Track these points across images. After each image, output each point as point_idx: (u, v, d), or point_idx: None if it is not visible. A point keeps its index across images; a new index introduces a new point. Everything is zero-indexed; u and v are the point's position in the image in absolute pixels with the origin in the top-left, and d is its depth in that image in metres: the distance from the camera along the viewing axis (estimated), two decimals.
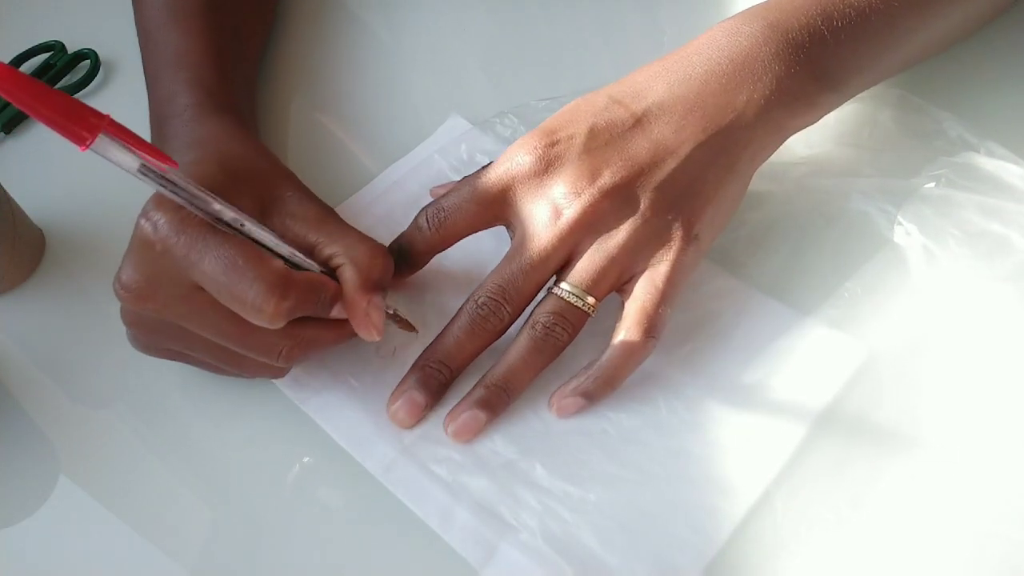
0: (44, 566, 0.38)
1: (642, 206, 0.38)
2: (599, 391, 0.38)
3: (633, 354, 0.38)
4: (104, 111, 0.59)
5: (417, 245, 0.41)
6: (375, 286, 0.37)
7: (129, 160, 0.31)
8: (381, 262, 0.38)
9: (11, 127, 0.55)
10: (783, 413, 0.38)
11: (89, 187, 0.51)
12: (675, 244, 0.38)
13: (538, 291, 0.39)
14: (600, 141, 0.39)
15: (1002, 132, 0.44)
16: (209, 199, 0.34)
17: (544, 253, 0.38)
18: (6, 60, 0.59)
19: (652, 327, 0.38)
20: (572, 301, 0.38)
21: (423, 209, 0.41)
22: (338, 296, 0.37)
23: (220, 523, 0.38)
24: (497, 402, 0.39)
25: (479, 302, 0.39)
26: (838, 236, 0.43)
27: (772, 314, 0.41)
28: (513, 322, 0.39)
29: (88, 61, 0.58)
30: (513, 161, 0.39)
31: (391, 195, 0.48)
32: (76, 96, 0.57)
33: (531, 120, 0.50)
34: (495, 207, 0.40)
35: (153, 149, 0.32)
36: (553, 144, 0.39)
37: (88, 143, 0.30)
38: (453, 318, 0.40)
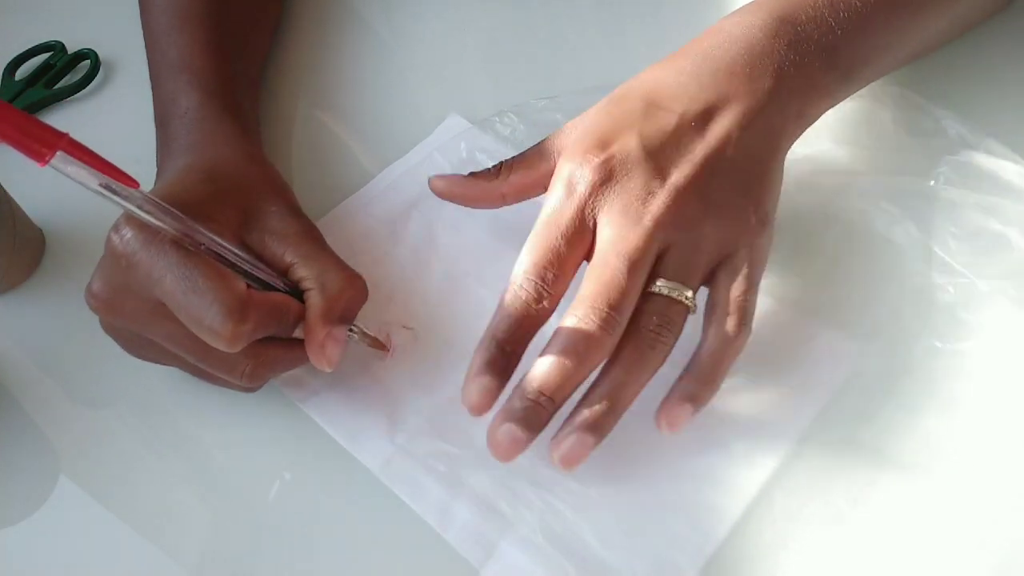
0: (44, 566, 0.38)
1: (714, 197, 0.37)
2: (704, 391, 0.36)
3: (730, 346, 0.36)
4: (104, 111, 0.60)
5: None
6: (339, 317, 0.37)
7: (89, 178, 0.31)
8: (350, 293, 0.37)
9: None
10: (781, 412, 0.38)
11: None
12: (750, 229, 0.38)
13: (638, 295, 0.36)
14: (655, 144, 0.38)
15: (1002, 130, 0.44)
16: (174, 217, 0.34)
17: (637, 253, 0.36)
18: (6, 60, 0.59)
19: (744, 315, 0.36)
20: (673, 295, 0.36)
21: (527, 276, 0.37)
22: (301, 318, 0.37)
23: (220, 523, 0.38)
24: (604, 422, 0.34)
25: (581, 315, 0.35)
26: (838, 235, 0.43)
27: (771, 313, 0.41)
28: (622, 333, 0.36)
29: (88, 61, 0.58)
30: (580, 183, 0.37)
31: (390, 195, 0.48)
32: (76, 96, 0.57)
33: (531, 119, 0.50)
34: (586, 234, 0.37)
35: (114, 169, 0.32)
36: (610, 155, 0.37)
37: (47, 159, 0.30)
38: (552, 339, 0.35)
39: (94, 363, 0.43)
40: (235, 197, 0.38)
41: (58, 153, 0.30)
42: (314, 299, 0.37)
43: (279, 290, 0.37)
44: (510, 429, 0.34)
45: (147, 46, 0.50)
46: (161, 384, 0.42)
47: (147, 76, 0.48)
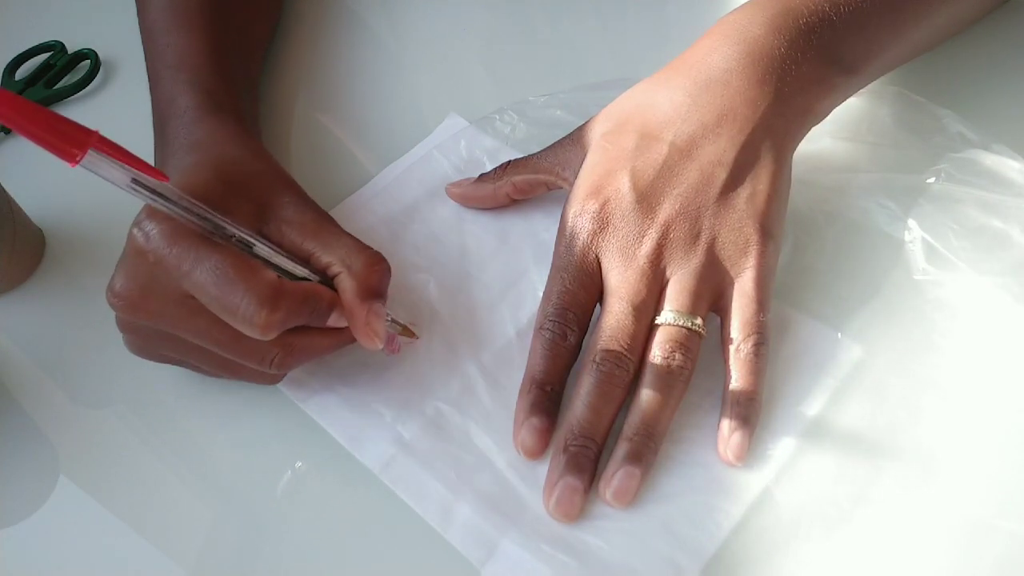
0: (44, 566, 0.38)
1: (709, 222, 0.38)
2: (751, 412, 0.37)
3: (754, 368, 0.37)
4: (104, 111, 0.59)
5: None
6: (374, 294, 0.37)
7: (120, 175, 0.31)
8: (379, 269, 0.38)
9: None
10: (782, 410, 0.38)
11: (89, 187, 0.50)
12: (753, 248, 0.38)
13: (648, 332, 0.38)
14: (646, 180, 0.39)
15: (1002, 128, 0.44)
16: (202, 211, 0.34)
17: (637, 294, 0.38)
18: (6, 60, 0.59)
19: (760, 336, 0.38)
20: (681, 323, 0.37)
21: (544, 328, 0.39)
22: (334, 305, 0.37)
23: (220, 523, 0.38)
24: (645, 451, 0.36)
25: (597, 360, 0.37)
26: (838, 232, 0.43)
27: (772, 313, 0.41)
28: (636, 370, 0.38)
29: (88, 61, 0.59)
30: (581, 232, 0.39)
31: (391, 193, 0.48)
32: (76, 96, 0.58)
33: (530, 116, 0.50)
34: (594, 276, 0.39)
35: (144, 164, 0.32)
36: (605, 201, 0.39)
37: (78, 159, 0.30)
38: (576, 388, 0.38)
39: (94, 363, 0.43)
40: (247, 192, 0.38)
41: (89, 151, 0.30)
42: (345, 281, 0.37)
43: (307, 279, 0.37)
44: (565, 481, 0.36)
45: (144, 46, 0.49)
46: (161, 384, 0.42)
47: (147, 75, 0.48)
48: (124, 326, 0.38)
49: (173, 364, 0.40)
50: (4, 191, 0.46)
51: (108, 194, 0.44)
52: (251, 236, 0.36)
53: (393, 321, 0.40)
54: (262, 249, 0.36)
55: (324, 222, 0.39)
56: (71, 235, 0.50)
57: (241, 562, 0.37)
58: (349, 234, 0.39)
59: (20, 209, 0.47)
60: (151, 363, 0.40)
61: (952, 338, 0.39)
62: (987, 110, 0.47)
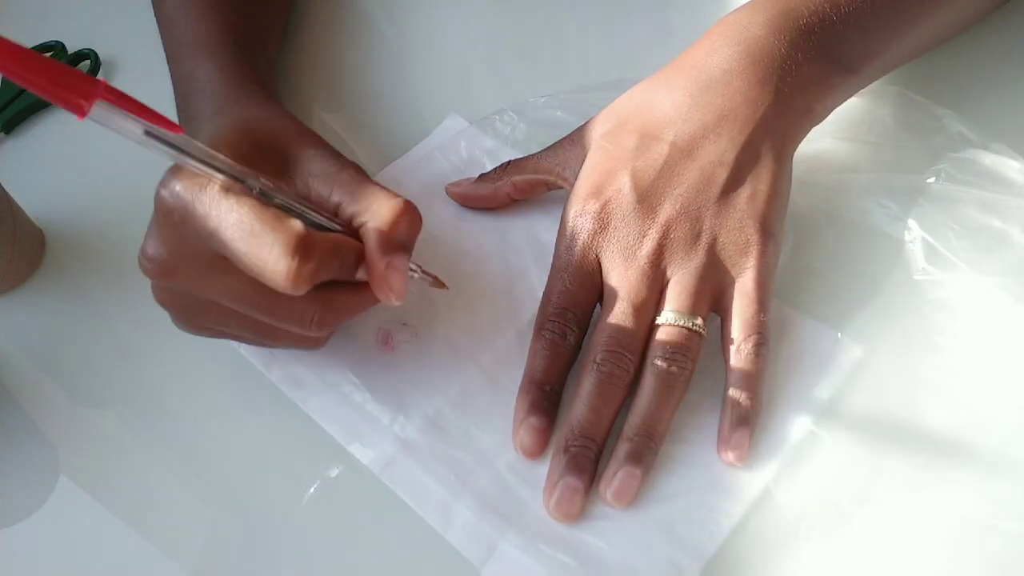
0: (44, 566, 0.38)
1: (710, 222, 0.38)
2: (751, 412, 0.37)
3: (755, 368, 0.37)
4: None
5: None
6: (398, 246, 0.35)
7: (132, 127, 0.29)
8: (406, 220, 0.35)
9: (11, 127, 0.55)
10: (782, 410, 0.38)
11: (89, 187, 0.51)
12: (753, 248, 0.38)
13: (648, 332, 0.38)
14: (647, 180, 0.39)
15: (1001, 128, 0.44)
16: (221, 162, 0.32)
17: (638, 294, 0.38)
18: None
19: (761, 336, 0.38)
20: (681, 324, 0.37)
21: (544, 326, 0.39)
22: (362, 257, 0.35)
23: (220, 523, 0.38)
24: (646, 451, 0.36)
25: (597, 361, 0.37)
26: (838, 232, 0.43)
27: (772, 313, 0.41)
28: (636, 370, 0.38)
29: (88, 61, 0.58)
30: (581, 232, 0.39)
31: None
32: None
33: (530, 117, 0.50)
34: (594, 276, 0.39)
35: (156, 115, 0.30)
36: (605, 201, 0.39)
37: (86, 111, 0.28)
38: (577, 389, 0.38)
39: (94, 363, 0.43)
40: (272, 147, 0.37)
41: (97, 103, 0.28)
42: (370, 231, 0.35)
43: (335, 230, 0.36)
44: (566, 481, 0.36)
45: (163, 33, 0.49)
46: (161, 384, 0.42)
47: (147, 75, 0.49)
48: (160, 296, 0.37)
49: (217, 337, 0.39)
50: (4, 191, 0.46)
51: (108, 194, 0.44)
52: (276, 187, 0.34)
53: (423, 272, 0.40)
54: (288, 200, 0.34)
55: (351, 172, 0.37)
56: (71, 235, 0.50)
57: (241, 562, 0.37)
58: (377, 184, 0.37)
59: (20, 209, 0.48)
60: (151, 363, 0.40)
61: (952, 338, 0.39)
62: (987, 110, 0.47)
